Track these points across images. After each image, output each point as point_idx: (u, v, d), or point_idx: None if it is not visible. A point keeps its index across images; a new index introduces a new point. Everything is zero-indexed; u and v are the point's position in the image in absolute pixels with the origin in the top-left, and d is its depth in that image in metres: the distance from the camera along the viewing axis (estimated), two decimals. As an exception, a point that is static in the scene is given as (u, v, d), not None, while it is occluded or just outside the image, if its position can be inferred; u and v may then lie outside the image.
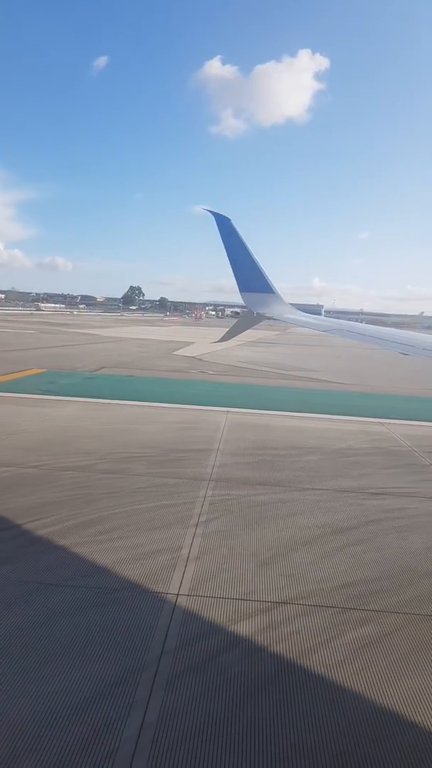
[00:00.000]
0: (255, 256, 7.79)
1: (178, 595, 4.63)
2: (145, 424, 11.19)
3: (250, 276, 7.76)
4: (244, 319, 8.66)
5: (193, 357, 27.82)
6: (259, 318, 8.05)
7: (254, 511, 6.67)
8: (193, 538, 5.79)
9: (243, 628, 4.21)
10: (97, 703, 3.36)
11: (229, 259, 7.77)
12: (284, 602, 4.63)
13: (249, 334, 54.67)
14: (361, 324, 7.52)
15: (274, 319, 7.77)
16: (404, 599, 4.82)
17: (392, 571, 5.31)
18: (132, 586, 4.74)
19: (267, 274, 7.82)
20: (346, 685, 3.68)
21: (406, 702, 3.54)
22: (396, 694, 3.61)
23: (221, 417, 12.22)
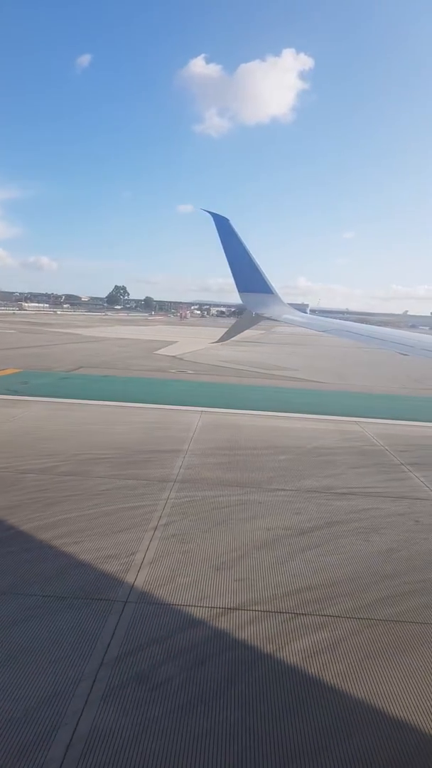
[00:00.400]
0: (253, 257, 7.72)
1: (126, 602, 4.47)
2: (115, 424, 11.00)
3: (248, 276, 7.69)
4: (242, 320, 8.55)
5: (173, 356, 27.66)
6: (257, 318, 7.97)
7: (217, 513, 6.52)
8: (150, 542, 5.63)
9: (189, 637, 4.05)
10: (29, 717, 3.19)
11: (228, 260, 7.70)
12: (236, 608, 4.48)
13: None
14: (359, 324, 7.45)
15: (272, 320, 7.68)
16: (362, 603, 4.69)
17: (352, 574, 5.18)
18: (80, 594, 4.57)
19: (266, 275, 7.73)
20: (295, 693, 3.54)
21: (357, 709, 3.41)
22: (347, 702, 3.47)
23: (195, 417, 12.06)
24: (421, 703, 3.52)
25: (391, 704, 3.49)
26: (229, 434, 10.64)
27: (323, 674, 3.74)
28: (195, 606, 4.48)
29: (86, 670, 3.62)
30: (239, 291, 7.74)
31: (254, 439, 10.40)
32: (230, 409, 13.28)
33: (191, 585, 4.80)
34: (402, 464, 9.17)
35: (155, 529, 5.97)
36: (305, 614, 4.47)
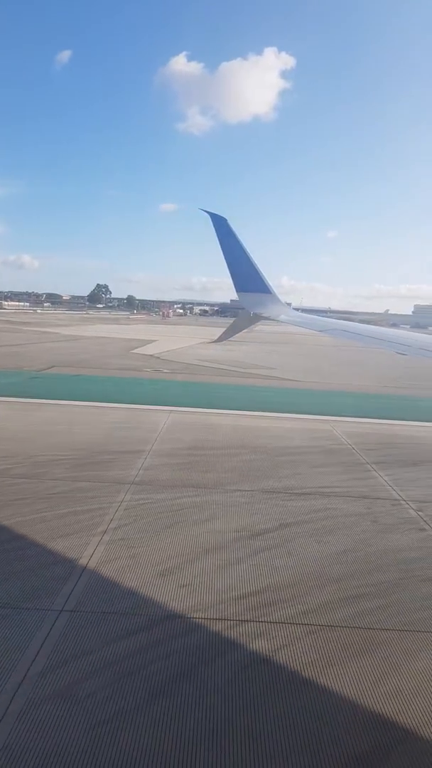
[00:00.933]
0: (252, 257, 7.61)
1: (61, 611, 4.28)
2: (80, 425, 10.79)
3: (247, 276, 7.61)
4: (240, 319, 8.43)
5: (151, 355, 27.42)
6: (256, 318, 7.85)
7: (170, 516, 6.35)
8: (96, 547, 5.45)
9: (120, 648, 3.88)
10: None
11: (226, 259, 7.60)
12: (176, 616, 4.32)
13: (215, 333, 54.48)
14: (357, 324, 7.38)
15: (271, 319, 7.60)
16: (306, 609, 4.56)
17: (300, 578, 5.05)
18: (12, 603, 4.37)
19: (264, 275, 7.63)
20: (227, 706, 3.38)
21: (293, 722, 3.26)
22: (283, 713, 3.32)
23: (163, 416, 11.87)
24: (362, 712, 3.38)
25: (332, 715, 3.35)
26: (196, 434, 10.48)
27: (256, 685, 3.59)
28: (133, 614, 4.31)
29: (6, 685, 3.42)
30: (237, 291, 7.67)
31: (220, 438, 10.25)
32: (200, 409, 13.12)
33: (133, 592, 4.63)
34: (367, 463, 9.07)
35: (104, 533, 5.79)
36: (247, 621, 4.32)
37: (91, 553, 5.31)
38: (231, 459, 8.89)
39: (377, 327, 7.69)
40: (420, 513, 6.88)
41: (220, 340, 9.15)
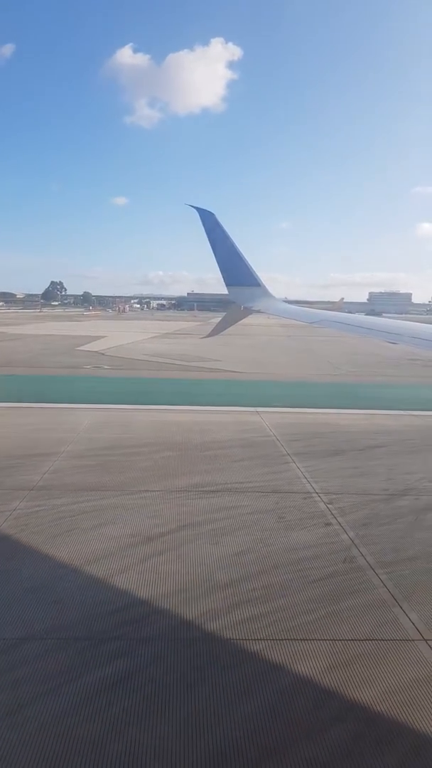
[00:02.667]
0: (240, 250, 7.38)
1: None
2: (-5, 428, 10.25)
3: (236, 270, 7.41)
4: (231, 313, 8.08)
5: (96, 352, 26.81)
6: (246, 312, 7.57)
7: (62, 523, 5.96)
8: (-30, 562, 5.00)
9: None
10: None
11: (215, 254, 7.40)
12: (34, 638, 3.94)
13: (168, 327, 53.83)
14: (348, 314, 7.13)
15: (261, 312, 7.39)
16: (183, 620, 4.24)
17: (185, 585, 4.74)
18: None
19: (252, 268, 7.41)
20: (73, 735, 3.03)
21: (152, 745, 2.93)
22: (139, 742, 2.99)
23: (87, 415, 11.43)
24: (236, 729, 3.08)
25: (197, 737, 3.04)
26: (117, 432, 10.09)
27: (110, 709, 3.26)
28: (-15, 639, 3.91)
29: None
30: (227, 285, 7.46)
31: (142, 436, 9.89)
32: (129, 405, 12.74)
33: (-7, 613, 4.22)
34: (288, 455, 8.84)
35: (-18, 547, 5.35)
36: (113, 638, 3.98)
37: (-38, 570, 4.87)
38: (149, 456, 8.55)
39: (368, 317, 7.58)
40: (330, 506, 6.66)
41: (212, 334, 8.82)
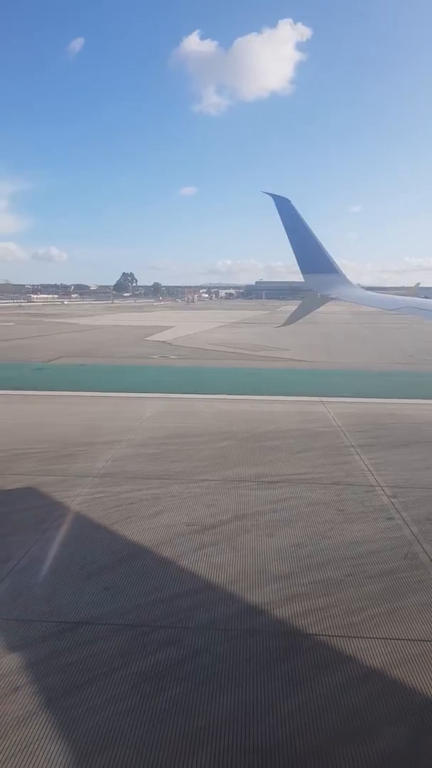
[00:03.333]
0: (316, 237, 7.32)
1: (-33, 619, 4.03)
2: (63, 416, 10.60)
3: (312, 257, 7.33)
4: (308, 301, 8.16)
5: (164, 342, 27.21)
6: (323, 299, 7.52)
7: (121, 510, 6.07)
8: (32, 546, 5.19)
9: (18, 659, 3.60)
10: None
11: (290, 241, 7.36)
12: (87, 622, 4.03)
13: (236, 315, 53.85)
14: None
15: (339, 300, 7.26)
16: (234, 611, 4.22)
17: (236, 576, 4.70)
18: None
19: (330, 255, 7.35)
20: (122, 720, 3.09)
21: (198, 735, 2.94)
22: (185, 731, 3.01)
23: (151, 404, 11.61)
24: (284, 724, 3.04)
25: (238, 727, 3.02)
26: (180, 421, 10.17)
27: (158, 698, 3.29)
28: (38, 621, 4.03)
29: None
30: (303, 272, 7.41)
31: (204, 424, 9.92)
32: (193, 394, 12.80)
33: (47, 597, 4.36)
34: (351, 446, 8.63)
35: (45, 531, 5.54)
36: (164, 627, 4.01)
37: (24, 553, 5.06)
38: (208, 446, 8.57)
39: None
40: (393, 500, 6.44)
41: (287, 323, 8.83)
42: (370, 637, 3.90)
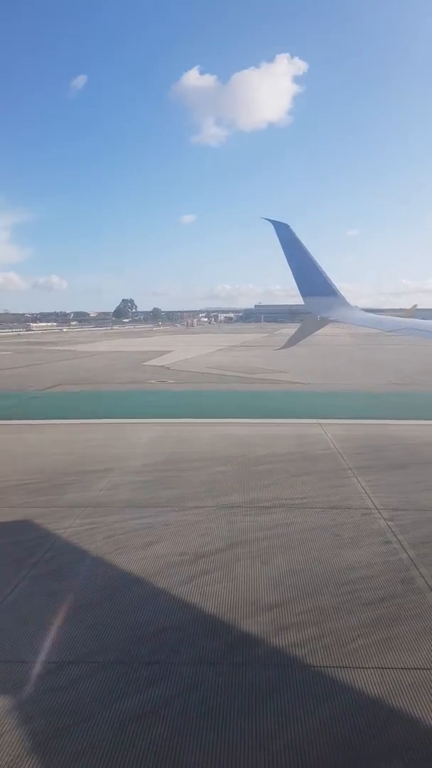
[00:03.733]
0: (316, 260, 7.44)
1: None
2: (56, 445, 10.50)
3: (312, 280, 7.44)
4: (307, 324, 8.21)
5: (162, 366, 27.18)
6: (323, 322, 7.65)
7: (113, 541, 5.95)
8: (21, 581, 5.07)
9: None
10: None
11: (290, 265, 7.49)
12: (72, 662, 3.90)
13: (234, 339, 53.98)
14: (429, 321, 7.10)
15: (339, 322, 7.39)
16: (225, 644, 4.09)
17: (229, 607, 4.58)
18: None
19: (329, 278, 7.45)
20: (110, 763, 2.95)
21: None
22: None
23: (147, 430, 11.52)
24: (276, 759, 2.91)
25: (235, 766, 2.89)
26: (176, 446, 10.07)
27: (145, 738, 3.15)
28: (19, 662, 3.91)
29: None
30: (303, 295, 7.50)
31: (200, 449, 9.83)
32: (190, 419, 12.72)
33: (36, 635, 4.23)
34: (349, 468, 8.52)
35: (35, 564, 5.42)
36: (152, 663, 3.88)
37: (11, 589, 4.93)
38: (204, 471, 8.47)
39: None
40: (390, 523, 6.32)
41: (287, 345, 8.87)
42: (366, 667, 3.78)
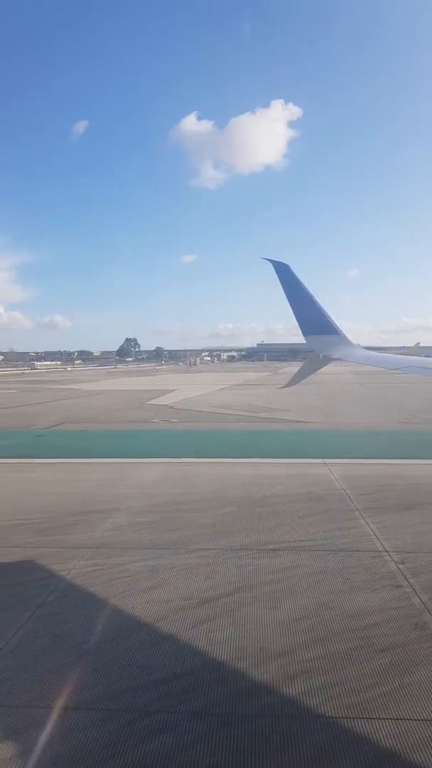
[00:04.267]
0: (316, 299, 7.51)
1: None
2: (60, 484, 10.41)
3: (313, 319, 7.50)
4: (309, 363, 8.25)
5: (165, 405, 27.15)
6: (325, 360, 7.64)
7: (117, 584, 5.83)
8: (24, 623, 4.95)
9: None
10: None
11: (291, 304, 7.54)
12: (76, 708, 3.78)
13: (236, 378, 54.09)
14: None
15: (341, 360, 7.44)
16: (233, 693, 3.95)
17: (237, 654, 4.45)
18: None
19: (330, 316, 7.51)
20: None
21: None
22: None
23: (151, 469, 11.43)
24: None
25: None
26: (180, 487, 9.97)
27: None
28: (28, 707, 3.78)
29: None
30: (304, 334, 7.54)
31: (204, 490, 9.72)
32: (194, 459, 12.63)
33: (38, 680, 4.10)
34: (356, 509, 8.40)
35: (39, 606, 5.30)
36: (156, 712, 3.74)
37: (15, 632, 4.81)
38: (208, 512, 8.35)
39: None
40: (401, 566, 6.19)
41: (290, 384, 8.89)
42: (380, 718, 3.64)
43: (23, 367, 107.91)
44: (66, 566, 6.31)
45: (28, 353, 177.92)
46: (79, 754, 3.33)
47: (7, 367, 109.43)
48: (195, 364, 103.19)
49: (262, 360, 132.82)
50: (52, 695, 3.91)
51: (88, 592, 5.63)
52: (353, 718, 3.63)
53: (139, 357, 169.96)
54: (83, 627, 4.93)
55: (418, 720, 3.61)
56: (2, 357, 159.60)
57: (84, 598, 5.52)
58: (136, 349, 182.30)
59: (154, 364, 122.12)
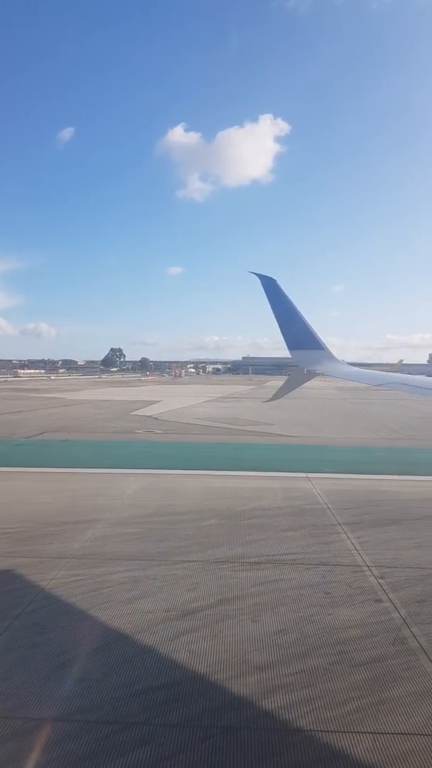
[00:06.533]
0: (302, 314, 7.57)
1: None
2: (41, 493, 10.33)
3: (298, 334, 7.54)
4: (294, 377, 8.28)
5: (149, 416, 27.09)
6: (310, 375, 7.70)
7: (98, 595, 5.80)
8: (1, 634, 4.90)
9: (-30, 767, 3.30)
10: None
11: (276, 319, 7.57)
12: (57, 719, 3.74)
13: (221, 390, 54.11)
14: (417, 376, 7.25)
15: (325, 375, 7.55)
16: (212, 705, 3.95)
17: (217, 667, 4.44)
18: None
19: (315, 331, 7.56)
20: None
21: None
22: None
23: (134, 480, 11.39)
24: None
25: None
26: (162, 498, 9.95)
27: None
28: (6, 718, 3.74)
29: None
30: (289, 349, 7.57)
31: (187, 502, 9.71)
32: (177, 471, 12.62)
33: (17, 691, 4.07)
34: (338, 524, 8.45)
35: (16, 617, 5.25)
36: (137, 723, 3.73)
37: (-8, 643, 4.76)
38: (191, 524, 8.34)
39: None
40: (381, 581, 6.24)
41: (275, 398, 8.92)
42: (359, 732, 3.66)
43: (6, 374, 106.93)
44: (46, 576, 6.27)
45: (11, 361, 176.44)
46: (57, 766, 3.30)
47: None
48: (180, 376, 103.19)
49: (248, 373, 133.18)
50: (30, 706, 3.87)
51: (68, 603, 5.59)
52: (333, 732, 3.65)
53: (124, 367, 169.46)
54: (62, 638, 4.90)
55: (397, 734, 3.64)
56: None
57: (64, 608, 5.49)
58: (121, 359, 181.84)
59: (138, 375, 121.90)
